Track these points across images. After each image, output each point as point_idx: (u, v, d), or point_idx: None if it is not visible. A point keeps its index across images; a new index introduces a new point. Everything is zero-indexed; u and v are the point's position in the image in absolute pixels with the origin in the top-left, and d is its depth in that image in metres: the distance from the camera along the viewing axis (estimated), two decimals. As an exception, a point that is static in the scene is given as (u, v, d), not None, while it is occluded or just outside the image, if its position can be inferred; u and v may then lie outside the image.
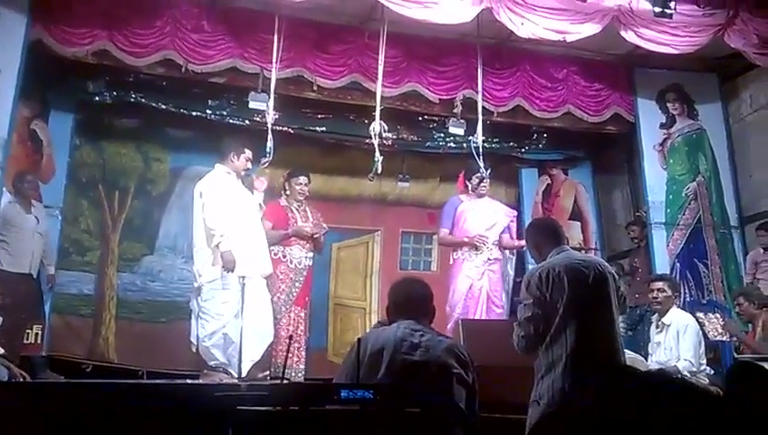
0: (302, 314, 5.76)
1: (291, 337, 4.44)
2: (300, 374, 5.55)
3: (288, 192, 5.91)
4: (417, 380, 2.83)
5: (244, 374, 5.13)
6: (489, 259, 5.82)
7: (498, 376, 3.67)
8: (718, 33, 6.04)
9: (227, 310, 5.17)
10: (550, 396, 3.00)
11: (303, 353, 5.69)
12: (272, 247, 5.66)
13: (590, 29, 5.86)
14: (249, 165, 5.56)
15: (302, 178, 5.90)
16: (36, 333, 5.87)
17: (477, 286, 5.74)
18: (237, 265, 5.14)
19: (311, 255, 5.87)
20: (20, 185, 5.71)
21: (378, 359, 2.89)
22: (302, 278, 5.77)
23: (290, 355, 5.42)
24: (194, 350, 5.27)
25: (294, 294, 5.70)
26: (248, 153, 5.50)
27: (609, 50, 6.70)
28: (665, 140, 6.99)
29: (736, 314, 6.01)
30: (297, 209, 5.89)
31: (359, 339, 2.96)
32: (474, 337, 4.41)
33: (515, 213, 6.28)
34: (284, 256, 5.74)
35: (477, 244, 5.74)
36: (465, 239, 5.81)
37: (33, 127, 6.23)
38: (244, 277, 5.25)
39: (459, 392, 2.97)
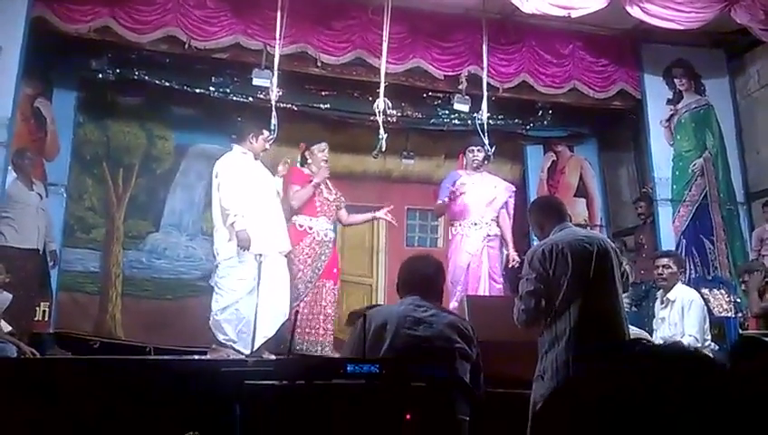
0: (334, 288, 5.61)
1: (296, 312, 4.41)
2: (327, 349, 5.44)
3: (310, 160, 5.75)
4: (419, 354, 2.85)
5: (255, 349, 5.14)
6: (488, 235, 5.78)
7: (503, 351, 3.68)
8: (725, 8, 5.98)
9: (242, 286, 5.18)
10: (553, 370, 3.03)
11: (331, 327, 5.57)
12: (296, 219, 5.56)
13: (596, 4, 5.80)
14: (267, 146, 5.51)
15: (323, 145, 5.76)
16: (44, 310, 5.92)
17: (477, 263, 5.71)
18: (253, 243, 5.14)
19: (333, 227, 5.75)
20: (20, 161, 5.69)
21: (381, 334, 2.91)
22: (328, 251, 5.61)
23: (308, 330, 5.39)
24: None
25: (320, 267, 5.54)
26: (266, 134, 5.47)
27: (615, 25, 6.63)
28: (671, 115, 6.95)
29: (743, 291, 6.01)
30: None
31: (364, 314, 2.97)
32: (479, 313, 4.42)
33: (514, 188, 6.17)
34: (310, 228, 5.58)
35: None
36: (445, 200, 5.74)
37: (37, 105, 6.23)
38: (260, 255, 5.25)
39: (463, 367, 2.99)
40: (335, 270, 5.72)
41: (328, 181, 5.81)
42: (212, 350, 5.18)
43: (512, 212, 5.97)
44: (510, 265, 5.68)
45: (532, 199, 6.65)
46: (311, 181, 5.62)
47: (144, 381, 3.85)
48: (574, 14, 5.82)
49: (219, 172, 5.31)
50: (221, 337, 5.14)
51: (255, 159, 5.47)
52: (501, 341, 3.75)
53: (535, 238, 4.91)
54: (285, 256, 5.42)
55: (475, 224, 5.79)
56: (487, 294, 5.64)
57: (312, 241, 5.56)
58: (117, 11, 5.75)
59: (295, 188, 5.59)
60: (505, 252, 5.86)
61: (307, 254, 5.53)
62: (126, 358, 4.82)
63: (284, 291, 5.34)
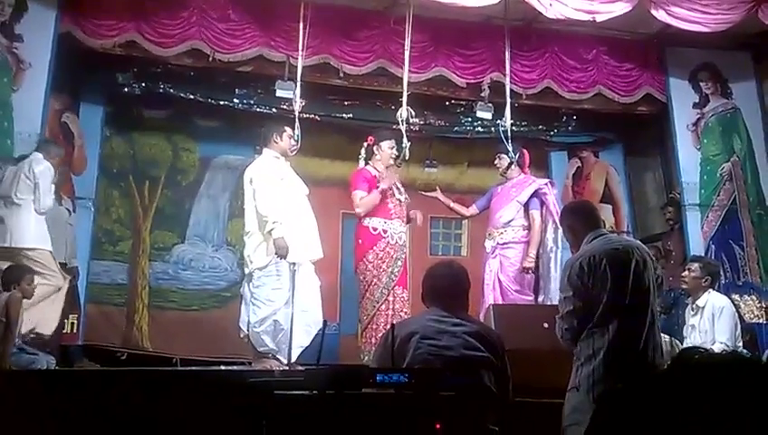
0: (405, 296, 5.38)
1: (325, 322, 4.35)
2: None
3: (379, 157, 5.59)
4: (444, 365, 2.83)
5: (293, 360, 5.06)
6: (499, 244, 5.72)
7: (530, 360, 3.65)
8: (752, 9, 5.91)
9: (279, 296, 5.11)
10: (589, 384, 2.97)
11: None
12: (368, 222, 5.42)
13: (621, 8, 5.77)
14: (293, 142, 5.45)
15: (393, 142, 5.54)
16: (72, 323, 5.98)
17: (487, 271, 5.68)
18: (290, 252, 5.06)
19: (406, 230, 5.60)
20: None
21: (406, 344, 2.90)
22: (403, 256, 5.43)
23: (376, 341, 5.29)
24: (242, 336, 5.23)
25: (397, 273, 5.37)
26: (289, 131, 5.42)
27: (640, 29, 6.58)
28: (698, 119, 6.85)
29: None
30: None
31: (392, 325, 2.96)
32: (505, 322, 4.39)
33: (545, 182, 5.97)
34: (385, 232, 5.38)
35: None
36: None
37: (65, 120, 6.31)
38: (295, 264, 5.17)
39: (489, 376, 2.96)
40: (406, 276, 5.52)
41: (396, 180, 5.71)
42: (256, 360, 5.14)
43: (552, 208, 5.71)
44: (523, 268, 5.61)
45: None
46: (376, 184, 5.47)
47: (172, 391, 3.87)
48: (599, 19, 5.78)
49: (253, 178, 5.21)
50: (261, 348, 5.10)
51: (286, 161, 5.41)
52: (527, 349, 3.73)
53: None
54: (314, 263, 5.35)
55: (489, 235, 5.81)
56: (499, 303, 5.52)
57: (386, 245, 5.40)
58: (142, 25, 5.83)
59: (360, 194, 5.42)
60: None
61: (381, 259, 5.37)
62: (153, 369, 4.85)
63: (317, 300, 5.28)
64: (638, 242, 3.71)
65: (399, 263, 5.45)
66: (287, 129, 5.42)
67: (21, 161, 5.20)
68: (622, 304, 3.01)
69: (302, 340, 5.14)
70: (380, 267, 5.38)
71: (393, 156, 5.60)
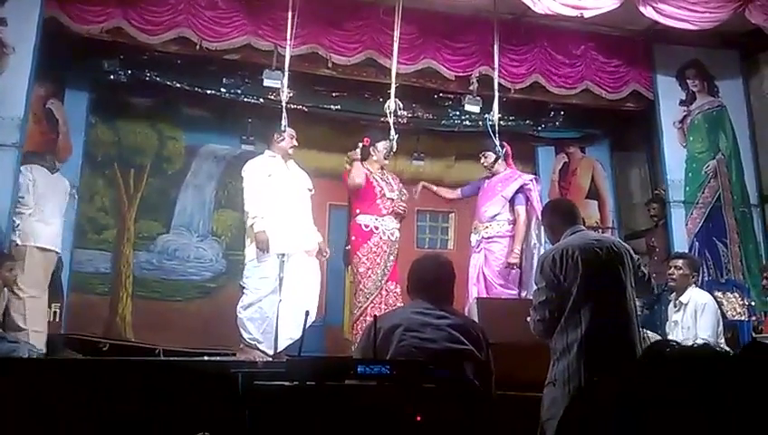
0: (398, 290, 5.48)
1: (307, 312, 4.33)
2: None
3: (375, 157, 5.68)
4: (426, 357, 2.83)
5: (279, 351, 5.09)
6: (484, 238, 5.76)
7: (513, 354, 3.66)
8: (739, 8, 5.94)
9: (265, 285, 5.22)
10: (565, 378, 3.01)
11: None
12: (360, 219, 5.53)
13: (608, 4, 5.78)
14: (294, 142, 5.50)
15: (388, 142, 5.65)
16: (55, 312, 5.92)
17: (472, 265, 5.73)
18: (276, 243, 5.17)
19: (399, 227, 5.70)
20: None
21: (389, 337, 2.90)
22: (395, 251, 5.56)
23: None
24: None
25: (389, 268, 5.49)
26: (289, 130, 5.48)
27: (628, 25, 6.60)
28: (684, 117, 6.89)
29: (763, 287, 5.94)
30: (382, 178, 5.68)
31: (375, 316, 2.96)
32: (489, 315, 4.40)
33: (530, 178, 5.99)
34: (377, 228, 5.54)
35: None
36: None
37: (49, 106, 6.24)
38: (283, 254, 5.25)
39: (471, 370, 2.96)
40: (397, 271, 5.60)
41: (391, 178, 5.77)
42: (240, 350, 5.20)
43: (535, 204, 5.74)
44: (508, 263, 5.62)
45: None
46: (370, 183, 5.60)
47: (154, 382, 3.85)
48: (587, 15, 5.80)
49: (243, 176, 5.39)
50: (246, 336, 5.17)
51: (284, 159, 5.47)
52: (511, 343, 3.73)
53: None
54: (317, 257, 5.43)
55: (475, 229, 5.84)
56: (484, 296, 5.55)
57: (379, 240, 5.51)
58: (129, 12, 5.76)
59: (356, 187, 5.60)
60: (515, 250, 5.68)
61: (375, 253, 5.48)
62: (135, 359, 4.82)
63: (312, 291, 5.33)
64: (616, 239, 3.75)
65: (392, 258, 5.53)
66: (287, 128, 5.44)
67: (56, 172, 5.75)
68: (594, 297, 3.05)
69: (292, 332, 5.13)
70: (374, 261, 5.47)
71: (387, 157, 5.70)
